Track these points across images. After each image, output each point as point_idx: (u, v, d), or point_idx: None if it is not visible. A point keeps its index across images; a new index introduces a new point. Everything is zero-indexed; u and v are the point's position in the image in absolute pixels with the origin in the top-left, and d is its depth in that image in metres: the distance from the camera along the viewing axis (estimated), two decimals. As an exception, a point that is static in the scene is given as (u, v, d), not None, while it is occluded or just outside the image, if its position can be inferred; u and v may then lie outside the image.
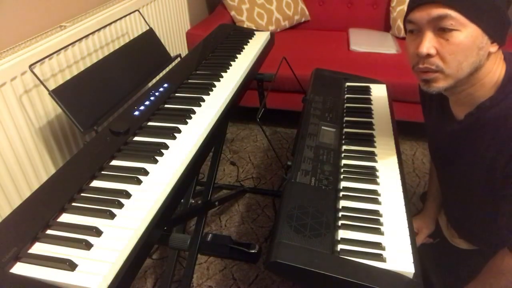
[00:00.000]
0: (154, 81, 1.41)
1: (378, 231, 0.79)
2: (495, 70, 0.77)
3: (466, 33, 0.71)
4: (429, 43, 0.73)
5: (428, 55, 0.74)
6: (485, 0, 0.70)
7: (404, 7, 2.27)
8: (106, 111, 1.22)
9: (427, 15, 0.72)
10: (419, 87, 1.03)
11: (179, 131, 0.96)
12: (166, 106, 1.08)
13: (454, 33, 0.71)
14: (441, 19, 0.71)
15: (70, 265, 0.61)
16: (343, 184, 0.92)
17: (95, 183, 0.80)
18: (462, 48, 0.71)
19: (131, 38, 1.51)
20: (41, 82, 1.11)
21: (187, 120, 1.00)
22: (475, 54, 0.72)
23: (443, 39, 0.72)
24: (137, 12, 1.70)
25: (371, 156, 1.01)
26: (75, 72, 1.29)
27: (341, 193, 0.89)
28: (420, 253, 1.06)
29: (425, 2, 0.72)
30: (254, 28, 2.29)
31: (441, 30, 0.72)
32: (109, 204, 0.73)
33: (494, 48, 0.74)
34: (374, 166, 0.97)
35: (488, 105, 0.77)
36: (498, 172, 0.77)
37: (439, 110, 0.93)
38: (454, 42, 0.71)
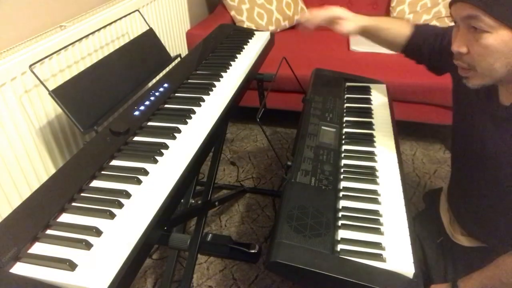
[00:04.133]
0: (154, 81, 1.41)
1: (378, 231, 0.79)
2: None
3: (497, 36, 0.67)
4: (459, 41, 0.71)
5: (460, 53, 0.72)
6: None
7: (404, 7, 2.27)
8: (106, 111, 1.22)
9: (459, 13, 0.71)
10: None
11: (179, 131, 0.96)
12: (166, 106, 1.08)
13: (484, 35, 0.68)
14: (471, 18, 0.69)
15: (70, 265, 0.61)
16: (343, 184, 0.92)
17: (95, 183, 0.80)
18: (491, 51, 0.69)
19: (131, 38, 1.51)
20: (41, 82, 1.11)
21: (187, 120, 1.00)
22: (510, 56, 0.69)
23: (474, 39, 0.70)
24: (137, 12, 1.70)
25: (371, 156, 1.01)
26: (75, 72, 1.29)
27: (341, 193, 0.89)
28: (422, 251, 1.06)
29: (457, 0, 0.71)
30: (254, 28, 2.29)
31: (474, 28, 0.70)
32: (109, 204, 0.73)
33: None
34: (374, 166, 0.97)
35: None
36: None
37: (484, 94, 0.87)
38: (482, 44, 0.69)
